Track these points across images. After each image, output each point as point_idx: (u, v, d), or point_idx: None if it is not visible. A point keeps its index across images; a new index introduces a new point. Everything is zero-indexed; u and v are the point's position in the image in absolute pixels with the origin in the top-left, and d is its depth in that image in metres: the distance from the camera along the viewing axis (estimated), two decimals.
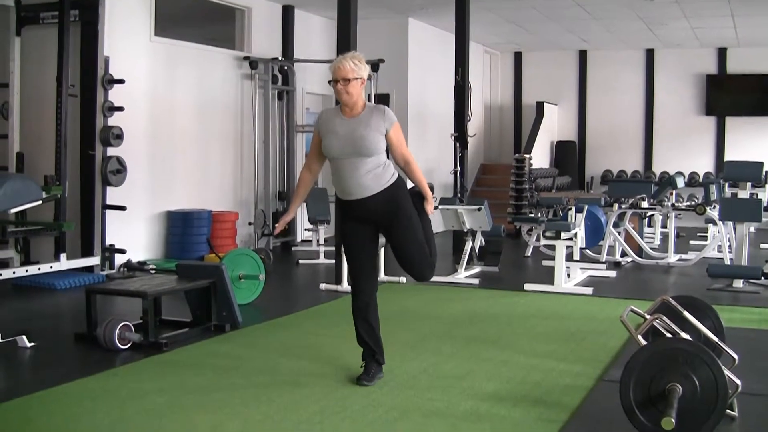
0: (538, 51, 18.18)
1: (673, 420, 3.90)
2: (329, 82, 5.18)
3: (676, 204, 11.48)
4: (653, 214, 12.28)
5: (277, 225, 5.49)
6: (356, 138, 5.09)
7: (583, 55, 17.93)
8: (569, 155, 17.84)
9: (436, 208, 5.47)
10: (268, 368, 5.71)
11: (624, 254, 10.95)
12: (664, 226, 12.67)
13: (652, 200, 11.32)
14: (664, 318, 4.69)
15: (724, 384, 4.05)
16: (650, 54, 17.41)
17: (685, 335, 4.57)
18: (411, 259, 5.27)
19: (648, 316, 4.80)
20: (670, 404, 4.00)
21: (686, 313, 4.92)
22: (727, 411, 4.27)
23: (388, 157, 5.26)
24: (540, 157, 16.67)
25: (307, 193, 5.58)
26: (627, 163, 17.60)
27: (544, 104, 17.28)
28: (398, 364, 5.82)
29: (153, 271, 9.44)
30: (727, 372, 4.22)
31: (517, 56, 18.55)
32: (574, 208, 9.58)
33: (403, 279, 9.40)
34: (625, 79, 17.61)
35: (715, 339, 4.85)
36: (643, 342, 4.52)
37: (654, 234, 13.07)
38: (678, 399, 4.04)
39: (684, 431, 4.06)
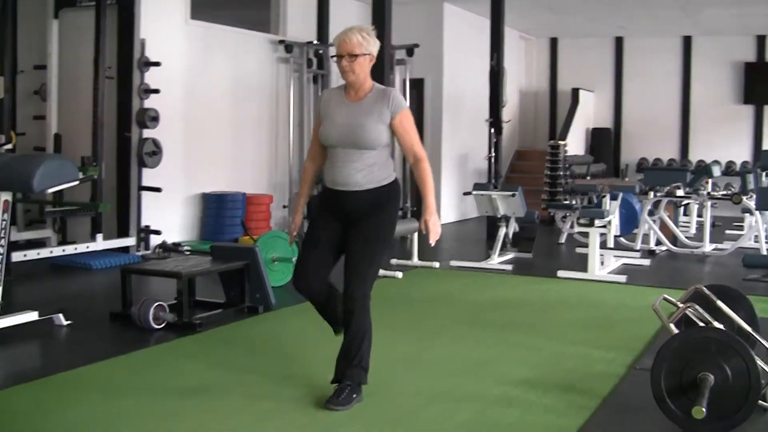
0: (574, 37, 18.06)
1: (703, 409, 3.89)
2: (332, 57, 4.54)
3: (712, 193, 11.37)
4: (689, 203, 12.19)
5: (289, 235, 4.92)
6: (355, 127, 4.47)
7: (619, 42, 17.78)
8: (605, 142, 17.73)
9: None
10: (300, 349, 5.76)
11: (659, 243, 10.89)
12: (699, 215, 12.56)
13: (687, 189, 11.24)
14: (697, 307, 4.68)
15: (756, 375, 4.03)
16: (687, 41, 17.23)
17: (717, 324, 4.56)
18: (351, 267, 4.51)
19: (680, 305, 4.79)
20: (701, 393, 3.99)
21: (719, 303, 4.90)
22: (760, 402, 4.24)
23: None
24: (575, 144, 16.59)
25: (313, 186, 5.02)
26: (663, 151, 17.45)
27: (580, 91, 17.18)
28: (429, 349, 5.86)
29: (187, 253, 9.52)
30: (760, 362, 4.20)
31: (553, 42, 18.44)
32: (608, 196, 9.52)
33: (436, 264, 9.43)
34: (661, 67, 17.43)
35: (749, 329, 4.83)
36: (675, 330, 4.51)
37: (690, 223, 12.97)
38: (709, 388, 4.02)
39: (715, 421, 4.06)
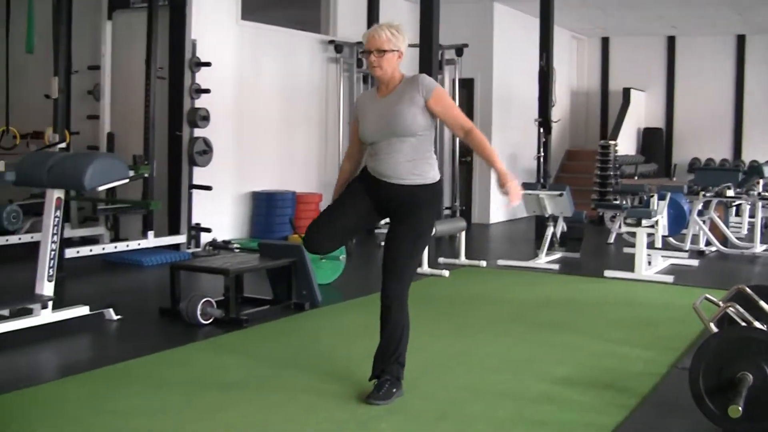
0: (626, 36, 17.98)
1: (740, 408, 3.89)
2: (361, 53, 4.74)
3: (763, 193, 11.25)
4: (740, 204, 12.09)
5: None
6: (390, 116, 4.49)
7: (671, 41, 17.66)
8: (656, 142, 17.62)
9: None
10: (343, 345, 5.84)
11: (708, 243, 10.81)
12: (751, 216, 12.45)
13: (738, 189, 11.14)
14: (738, 306, 4.68)
15: None
16: (741, 40, 17.07)
17: (758, 324, 4.55)
18: (387, 263, 4.54)
19: (721, 304, 4.79)
20: (738, 392, 3.99)
21: (762, 303, 4.88)
22: None
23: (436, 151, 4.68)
24: (626, 144, 16.52)
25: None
26: (715, 151, 17.30)
27: (631, 90, 17.09)
28: (472, 346, 5.91)
29: (237, 250, 9.64)
30: None
31: (605, 42, 18.36)
32: (656, 196, 9.48)
33: (483, 263, 9.46)
34: (714, 66, 17.29)
35: None
36: (715, 330, 4.51)
37: (741, 224, 12.84)
38: (747, 388, 4.03)
39: (752, 421, 4.06)
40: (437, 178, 4.64)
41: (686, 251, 10.01)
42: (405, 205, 4.54)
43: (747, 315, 4.64)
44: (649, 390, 4.90)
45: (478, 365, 5.42)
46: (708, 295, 5.00)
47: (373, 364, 4.67)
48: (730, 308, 4.67)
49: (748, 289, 5.00)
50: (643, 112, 17.89)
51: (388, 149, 4.52)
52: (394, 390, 4.57)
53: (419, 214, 4.56)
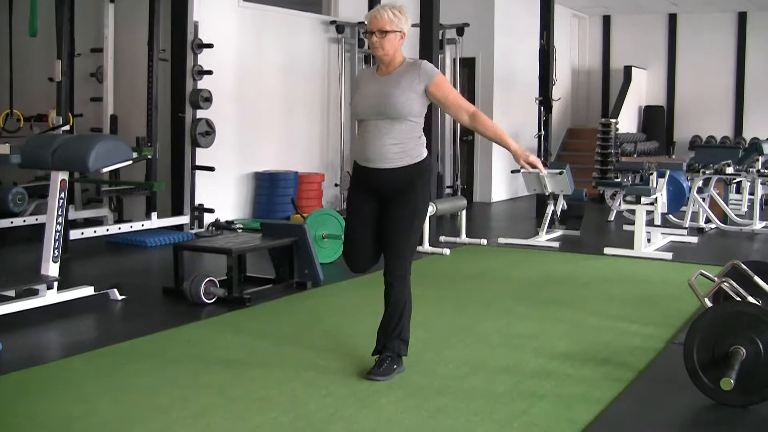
0: (627, 14, 17.99)
1: (732, 381, 3.98)
2: (364, 33, 4.71)
3: (762, 170, 11.30)
4: (740, 181, 12.14)
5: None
6: (384, 97, 4.52)
7: (672, 19, 17.68)
8: (658, 120, 17.68)
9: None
10: (345, 323, 5.93)
11: (708, 220, 10.87)
12: (752, 193, 12.50)
13: (737, 166, 11.20)
14: (731, 282, 4.76)
15: None
16: (742, 17, 17.10)
17: (752, 299, 4.63)
18: (388, 247, 4.64)
19: (716, 280, 4.87)
20: (731, 366, 4.08)
21: (756, 278, 4.96)
22: None
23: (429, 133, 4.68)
24: (628, 122, 16.58)
25: None
26: (716, 128, 17.34)
27: (632, 68, 17.13)
28: (472, 323, 5.99)
29: (240, 230, 9.72)
30: None
31: (606, 20, 18.39)
32: (655, 174, 9.55)
33: (484, 241, 9.54)
34: (715, 43, 17.33)
35: None
36: (710, 305, 4.59)
37: (741, 201, 12.89)
38: (740, 362, 4.11)
39: (745, 394, 4.15)
40: (424, 155, 4.68)
41: (686, 228, 10.08)
42: (397, 188, 4.59)
43: (741, 290, 4.72)
44: (646, 365, 4.99)
45: (478, 341, 5.51)
46: (703, 271, 5.09)
47: (377, 339, 4.76)
48: (725, 283, 4.75)
49: (743, 265, 5.08)
50: (644, 90, 17.93)
51: (376, 131, 4.55)
52: (395, 366, 4.66)
53: (412, 194, 4.61)
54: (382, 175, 4.59)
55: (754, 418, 4.16)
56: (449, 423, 4.03)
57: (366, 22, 4.65)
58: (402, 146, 4.55)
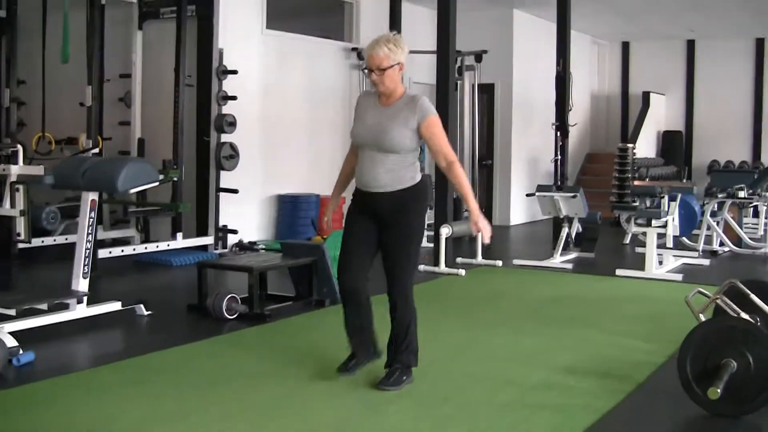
0: (646, 41, 18.19)
1: (718, 390, 4.20)
2: (363, 69, 4.83)
3: None
4: (756, 205, 12.29)
5: (321, 228, 5.16)
6: (380, 131, 4.72)
7: (690, 45, 17.87)
8: (676, 145, 17.83)
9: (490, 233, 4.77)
10: None
11: (722, 243, 11.05)
12: (767, 217, 12.63)
13: (750, 191, 11.37)
14: (725, 298, 4.97)
15: None
16: (760, 43, 17.27)
17: (745, 315, 4.84)
18: (388, 273, 4.89)
19: (711, 297, 5.08)
20: (719, 377, 4.30)
21: (753, 296, 5.16)
22: None
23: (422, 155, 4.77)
24: (646, 147, 16.75)
25: (348, 182, 5.29)
26: (735, 153, 17.47)
27: (651, 94, 17.33)
28: (483, 339, 6.23)
29: (262, 251, 9.99)
30: None
31: (625, 46, 18.60)
32: (667, 197, 9.75)
33: (499, 262, 9.76)
34: (733, 69, 17.48)
35: None
36: (704, 319, 4.82)
37: (758, 225, 13.01)
38: (730, 373, 4.32)
39: (735, 404, 4.37)
40: (418, 179, 4.84)
41: (698, 251, 10.27)
42: (392, 211, 4.79)
43: (734, 306, 4.93)
44: (645, 378, 5.21)
45: (485, 355, 5.76)
46: (701, 289, 5.32)
47: (386, 353, 5.02)
48: (719, 300, 4.96)
49: (740, 284, 5.28)
50: (663, 115, 18.11)
51: (371, 159, 4.77)
52: (404, 378, 4.90)
53: (407, 218, 4.83)
54: (378, 198, 4.79)
55: (744, 428, 4.38)
56: (453, 431, 4.27)
57: (364, 58, 4.81)
58: (395, 173, 4.74)
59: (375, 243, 4.90)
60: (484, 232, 4.78)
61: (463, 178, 4.82)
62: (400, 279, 4.86)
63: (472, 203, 4.81)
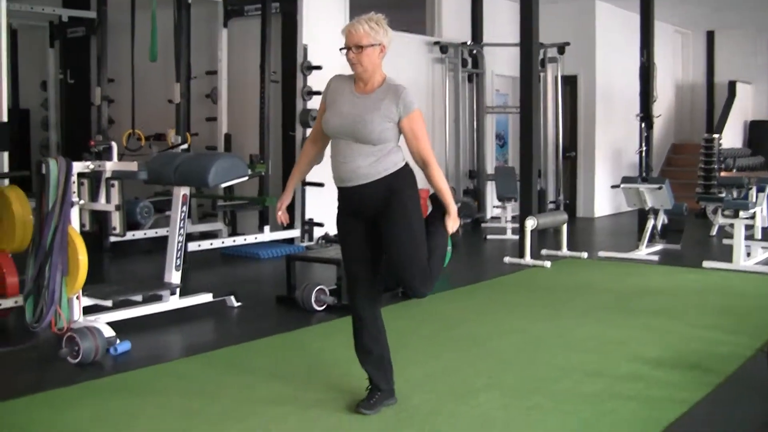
0: (731, 30, 17.87)
1: None
2: (341, 49, 4.19)
3: None
4: None
5: (278, 215, 4.74)
6: (357, 122, 4.16)
7: None
8: (763, 135, 17.50)
9: (461, 225, 4.16)
10: (444, 330, 6.27)
11: None
12: None
13: None
14: None
15: None
16: None
17: None
18: (398, 261, 4.21)
19: None
20: None
21: None
22: None
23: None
24: (732, 137, 16.49)
25: (309, 168, 4.82)
26: None
27: (737, 83, 17.05)
28: (568, 330, 6.27)
29: None
30: None
31: (710, 35, 18.29)
32: (755, 188, 9.63)
33: (585, 254, 9.75)
34: None
35: None
36: None
37: None
38: None
39: None
40: (402, 163, 4.31)
41: None
42: (382, 198, 4.22)
43: None
44: (733, 371, 5.19)
45: (572, 347, 5.79)
46: None
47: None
48: None
49: None
50: (749, 104, 17.80)
51: (348, 151, 4.23)
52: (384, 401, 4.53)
53: (400, 202, 4.23)
54: (363, 191, 4.25)
55: None
56: (541, 420, 4.33)
57: (343, 36, 4.26)
58: (377, 162, 4.21)
59: (377, 245, 4.34)
60: (450, 226, 4.35)
61: (441, 179, 4.32)
62: (411, 270, 4.22)
63: (450, 203, 4.33)
